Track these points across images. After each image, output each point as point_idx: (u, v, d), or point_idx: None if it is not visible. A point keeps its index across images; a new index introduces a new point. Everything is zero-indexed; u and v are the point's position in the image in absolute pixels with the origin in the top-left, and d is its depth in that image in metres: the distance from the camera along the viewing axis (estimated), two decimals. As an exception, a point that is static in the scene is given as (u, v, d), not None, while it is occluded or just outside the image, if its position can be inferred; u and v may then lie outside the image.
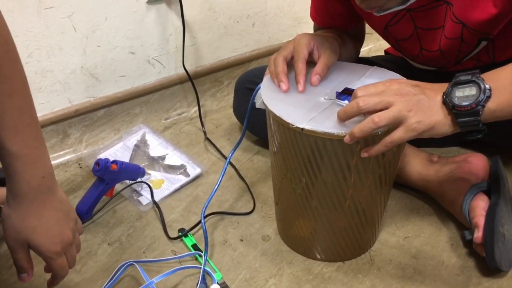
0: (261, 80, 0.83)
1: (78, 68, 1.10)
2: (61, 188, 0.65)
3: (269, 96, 0.78)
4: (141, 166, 1.02)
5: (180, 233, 0.91)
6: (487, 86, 0.63)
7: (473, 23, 0.79)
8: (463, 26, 0.80)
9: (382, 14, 0.75)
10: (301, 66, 0.77)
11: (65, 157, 1.13)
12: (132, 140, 1.14)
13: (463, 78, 0.65)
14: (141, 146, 1.12)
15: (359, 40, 1.06)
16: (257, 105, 0.82)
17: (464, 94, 0.64)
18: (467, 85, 0.64)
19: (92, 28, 1.07)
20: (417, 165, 0.95)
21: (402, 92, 0.65)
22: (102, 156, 1.10)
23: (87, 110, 1.14)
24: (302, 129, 0.69)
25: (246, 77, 1.11)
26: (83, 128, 1.15)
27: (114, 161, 0.95)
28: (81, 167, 1.11)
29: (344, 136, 0.67)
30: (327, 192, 0.78)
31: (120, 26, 1.11)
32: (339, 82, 0.81)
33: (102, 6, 1.07)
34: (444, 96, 0.65)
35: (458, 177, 0.89)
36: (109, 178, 0.95)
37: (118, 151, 1.12)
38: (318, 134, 0.69)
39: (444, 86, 0.66)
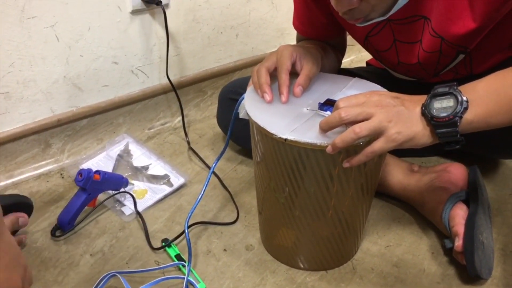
0: (244, 90, 0.83)
1: (61, 78, 1.09)
2: (8, 232, 0.61)
3: (252, 106, 0.78)
4: (124, 176, 1.02)
5: (163, 244, 0.91)
6: (464, 98, 0.65)
7: (452, 37, 0.81)
8: (441, 40, 0.82)
9: (365, 25, 0.77)
10: (284, 77, 0.78)
11: (47, 167, 1.12)
12: (115, 150, 1.14)
13: (441, 90, 0.67)
14: (124, 156, 1.12)
15: (341, 51, 1.07)
16: (241, 116, 0.82)
17: (442, 106, 0.66)
18: (445, 97, 0.66)
19: (75, 37, 1.07)
20: (398, 174, 0.97)
21: (382, 104, 0.67)
22: (84, 166, 1.09)
23: (69, 120, 1.13)
24: (285, 139, 0.70)
25: (230, 88, 1.12)
26: (66, 138, 1.15)
27: (97, 171, 0.95)
28: (63, 177, 1.10)
29: (327, 146, 0.68)
30: (310, 202, 0.78)
31: (104, 36, 1.11)
32: (321, 93, 0.82)
33: (85, 16, 1.07)
34: (423, 108, 0.67)
35: (437, 186, 0.91)
36: (92, 188, 0.94)
37: (101, 161, 1.11)
38: (301, 145, 0.70)
39: (423, 98, 0.68)
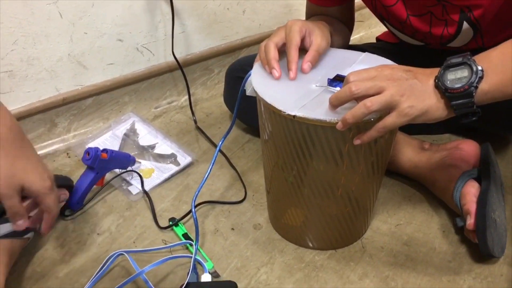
0: (251, 68, 0.81)
1: (65, 56, 1.07)
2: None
3: (260, 83, 0.76)
4: (131, 155, 1.01)
5: (170, 223, 0.90)
6: (479, 67, 0.63)
7: None
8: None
9: None
10: (293, 53, 0.76)
11: (53, 146, 1.12)
12: (121, 129, 1.13)
13: (454, 60, 0.64)
14: (130, 135, 1.11)
15: (349, 27, 1.05)
16: (248, 93, 0.81)
17: (456, 77, 0.64)
18: (458, 67, 0.64)
19: (79, 14, 1.05)
20: (409, 152, 0.95)
21: (394, 77, 0.65)
22: (91, 145, 1.08)
23: (75, 99, 1.12)
24: (294, 116, 0.69)
25: (237, 65, 1.09)
26: (71, 117, 1.14)
27: (104, 150, 0.94)
28: (69, 157, 1.09)
29: (337, 123, 0.66)
30: (319, 180, 0.77)
31: (108, 13, 1.09)
32: (330, 68, 0.80)
33: (89, -8, 1.04)
34: (436, 80, 0.65)
35: (449, 164, 0.89)
36: (100, 167, 0.93)
37: (107, 140, 1.10)
38: (310, 121, 0.68)
39: (436, 70, 0.65)
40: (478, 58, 0.64)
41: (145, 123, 1.15)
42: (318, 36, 0.80)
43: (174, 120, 1.23)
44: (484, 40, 0.88)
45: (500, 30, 0.87)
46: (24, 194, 0.67)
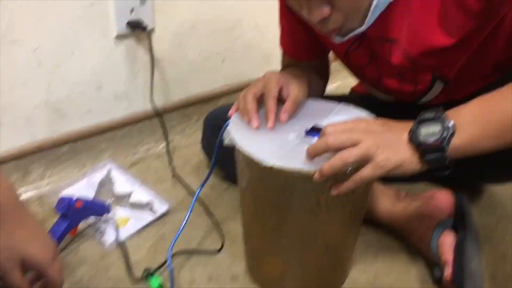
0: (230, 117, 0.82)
1: (42, 103, 1.07)
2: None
3: (238, 133, 0.77)
4: (106, 203, 0.99)
5: (145, 274, 0.88)
6: (451, 123, 0.64)
7: (420, 56, 0.82)
8: (412, 60, 0.83)
9: (343, 40, 0.77)
10: (271, 103, 0.78)
11: (26, 194, 1.09)
12: (97, 176, 1.11)
13: (427, 115, 0.66)
14: (106, 183, 1.09)
15: (325, 76, 1.07)
16: (226, 143, 0.81)
17: (429, 131, 0.65)
18: (431, 122, 0.66)
19: (57, 62, 1.06)
20: (385, 202, 0.96)
21: (369, 130, 0.66)
22: (65, 192, 1.06)
23: (50, 146, 1.11)
24: (272, 167, 0.69)
25: (215, 114, 1.10)
26: (46, 164, 1.12)
27: (79, 198, 0.92)
28: (42, 205, 1.07)
29: (314, 173, 0.67)
30: (297, 230, 0.76)
31: (87, 61, 1.10)
32: (307, 119, 0.82)
33: (68, 41, 1.05)
34: (410, 134, 0.66)
35: (425, 214, 0.90)
36: (73, 216, 0.91)
37: (82, 188, 1.08)
38: (288, 172, 0.69)
39: (410, 124, 0.67)
40: (450, 113, 0.66)
41: (121, 171, 1.14)
42: (295, 87, 0.82)
43: (151, 167, 1.22)
44: (453, 93, 0.91)
45: (467, 83, 0.90)
46: (25, 266, 0.64)
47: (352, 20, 0.73)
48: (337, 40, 0.78)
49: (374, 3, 0.71)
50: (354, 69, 0.97)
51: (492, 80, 0.90)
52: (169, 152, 1.23)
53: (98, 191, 1.07)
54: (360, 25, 0.74)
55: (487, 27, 0.79)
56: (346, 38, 0.76)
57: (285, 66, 1.06)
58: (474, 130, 0.64)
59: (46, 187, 1.12)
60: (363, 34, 0.86)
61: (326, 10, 0.70)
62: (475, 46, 0.82)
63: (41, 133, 1.09)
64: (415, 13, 0.78)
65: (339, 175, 0.68)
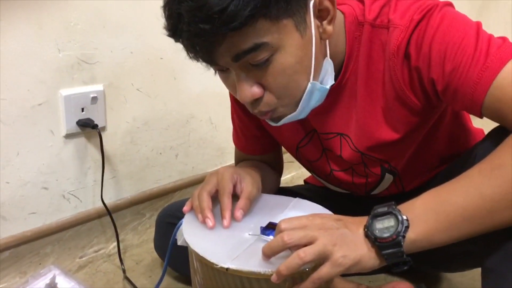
0: (183, 214, 0.80)
1: (-18, 207, 1.01)
2: None
3: (191, 233, 0.74)
4: (48, 316, 0.90)
5: None
6: (404, 217, 0.64)
7: (369, 150, 0.84)
8: (361, 154, 0.85)
9: (278, 124, 0.76)
10: (226, 201, 0.76)
11: (-42, 309, 0.99)
12: (40, 284, 1.02)
13: (380, 210, 0.66)
14: (50, 291, 1.01)
15: (279, 170, 1.08)
16: (179, 243, 0.77)
17: (384, 226, 0.65)
18: (385, 216, 0.65)
19: (2, 164, 1.01)
20: (347, 297, 0.93)
21: (325, 226, 0.65)
22: (2, 305, 0.97)
23: (-11, 253, 1.03)
24: (227, 269, 0.66)
25: (168, 211, 1.07)
26: (-17, 274, 1.03)
27: (16, 312, 0.84)
28: (-24, 320, 0.97)
29: (271, 274, 0.64)
30: (257, 336, 0.72)
31: (34, 161, 1.06)
32: (263, 215, 0.80)
33: (14, 141, 1.02)
34: (366, 229, 0.65)
35: (388, 308, 0.87)
36: (8, 333, 0.82)
37: (23, 298, 1.00)
38: (244, 274, 0.65)
39: (364, 219, 0.67)
40: (403, 207, 0.66)
41: (67, 276, 1.06)
42: (249, 183, 0.81)
43: (101, 270, 1.15)
44: (403, 184, 0.93)
45: (416, 175, 0.93)
46: None
47: (286, 105, 0.73)
48: (272, 124, 0.77)
49: (308, 87, 0.71)
50: (305, 163, 0.98)
51: (439, 170, 0.92)
52: (120, 252, 1.16)
53: (40, 301, 0.98)
54: (294, 111, 0.74)
55: (429, 121, 0.82)
56: (280, 123, 0.76)
57: (238, 160, 1.06)
58: (428, 223, 0.63)
59: (-19, 300, 1.02)
60: (312, 130, 0.88)
61: (257, 91, 0.70)
62: (420, 138, 0.85)
63: (-21, 239, 1.02)
64: (361, 108, 0.81)
65: (297, 275, 0.66)
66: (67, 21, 1.04)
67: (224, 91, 0.79)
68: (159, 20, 0.67)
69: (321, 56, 0.73)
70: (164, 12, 0.67)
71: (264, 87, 0.70)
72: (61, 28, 1.04)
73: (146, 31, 1.17)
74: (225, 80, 0.74)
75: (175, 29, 0.65)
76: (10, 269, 1.07)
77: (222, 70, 0.72)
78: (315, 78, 0.72)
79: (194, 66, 0.78)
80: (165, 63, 1.23)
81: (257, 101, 0.71)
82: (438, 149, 0.90)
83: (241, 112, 0.97)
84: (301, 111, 0.74)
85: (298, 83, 0.71)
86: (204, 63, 0.70)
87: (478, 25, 0.70)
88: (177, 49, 0.69)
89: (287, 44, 0.67)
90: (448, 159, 0.92)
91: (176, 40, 0.67)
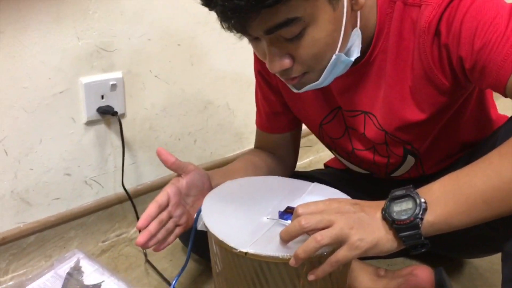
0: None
1: (8, 193, 1.04)
2: None
3: (210, 218, 0.75)
4: (73, 297, 0.93)
5: None
6: (422, 200, 0.64)
7: (394, 130, 0.84)
8: (385, 133, 0.85)
9: (301, 91, 0.77)
10: (150, 207, 0.80)
11: (-12, 291, 1.03)
12: (65, 267, 1.05)
13: (398, 193, 0.66)
14: (74, 274, 1.04)
15: (295, 151, 1.09)
16: (199, 227, 0.79)
17: (402, 208, 0.65)
18: (403, 199, 0.65)
19: (25, 151, 1.04)
20: (365, 280, 0.93)
21: (342, 210, 0.65)
22: (30, 287, 1.00)
23: (15, 237, 1.06)
24: (246, 253, 0.67)
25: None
26: (10, 257, 1.06)
27: (43, 294, 0.86)
28: (4, 302, 1.00)
29: (289, 258, 0.65)
30: (275, 317, 0.73)
31: (56, 148, 1.08)
32: (280, 199, 0.81)
33: (36, 129, 1.04)
34: (383, 212, 0.66)
35: (406, 291, 0.88)
36: (36, 314, 0.85)
37: (48, 281, 1.02)
38: (262, 258, 0.67)
39: (382, 203, 0.67)
40: (421, 190, 0.66)
41: (90, 260, 1.09)
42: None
43: (123, 253, 1.18)
44: (424, 168, 0.93)
45: (438, 158, 0.92)
46: None
47: (312, 73, 0.74)
48: (294, 90, 0.78)
49: (333, 59, 0.72)
50: (328, 141, 0.98)
51: (461, 156, 0.92)
52: (141, 237, 1.18)
53: (65, 284, 1.01)
54: (318, 80, 0.75)
55: (456, 102, 0.81)
56: (303, 90, 0.77)
57: (258, 143, 1.08)
58: (446, 206, 0.63)
59: (10, 283, 1.05)
60: (337, 107, 0.88)
61: (287, 62, 0.71)
62: (443, 121, 0.84)
63: (6, 224, 1.05)
64: (389, 87, 0.80)
65: (315, 259, 0.67)
66: (85, 10, 1.05)
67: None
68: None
69: (350, 26, 0.72)
70: None
71: (293, 58, 0.71)
72: (79, 16, 1.05)
73: (163, 18, 1.18)
74: (256, 48, 0.75)
75: (209, 1, 0.65)
76: (36, 253, 1.10)
77: (255, 39, 0.73)
78: (341, 49, 0.72)
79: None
80: (183, 49, 1.24)
81: (285, 70, 0.72)
82: (461, 135, 0.89)
83: (265, 86, 0.98)
84: (324, 80, 0.75)
85: (326, 54, 0.71)
86: (237, 34, 0.70)
87: None
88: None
89: (319, 18, 0.67)
90: (470, 145, 0.91)
91: (210, 9, 0.67)
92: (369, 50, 0.79)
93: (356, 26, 0.74)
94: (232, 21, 0.66)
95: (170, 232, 0.83)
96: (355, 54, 0.75)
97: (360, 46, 0.75)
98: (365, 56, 0.79)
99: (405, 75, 0.78)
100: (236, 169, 0.97)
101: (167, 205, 0.82)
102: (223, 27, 0.69)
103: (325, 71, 0.73)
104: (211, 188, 0.86)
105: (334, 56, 0.71)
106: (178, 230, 0.84)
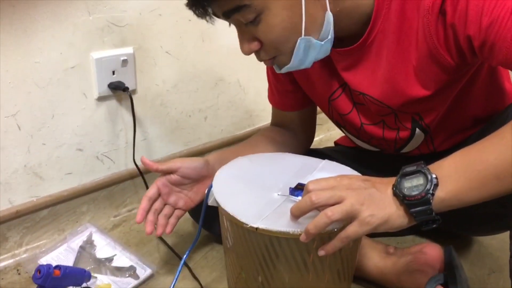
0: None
1: (21, 167, 1.05)
2: None
3: (221, 193, 0.76)
4: (86, 270, 0.95)
5: None
6: (433, 175, 0.64)
7: (400, 106, 0.84)
8: (391, 110, 0.86)
9: (281, 71, 0.80)
10: (143, 201, 0.88)
11: (2, 263, 1.04)
12: (77, 241, 1.07)
13: (409, 169, 0.66)
14: (87, 248, 1.05)
15: (311, 128, 1.10)
16: (210, 203, 0.80)
17: (413, 184, 0.65)
18: (414, 175, 0.65)
19: (38, 126, 1.05)
20: (374, 257, 0.94)
21: (353, 187, 0.65)
22: (43, 260, 1.02)
23: (29, 211, 1.07)
24: (257, 228, 0.67)
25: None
26: (24, 230, 1.08)
27: (57, 266, 0.88)
28: (19, 274, 1.02)
29: (300, 234, 0.65)
30: (285, 292, 0.74)
31: (68, 123, 1.09)
32: (291, 176, 0.81)
33: (49, 104, 1.05)
34: (394, 188, 0.66)
35: (415, 269, 0.88)
36: (51, 286, 0.87)
37: (61, 254, 1.04)
38: (273, 233, 0.67)
39: (392, 179, 0.67)
40: (432, 166, 0.65)
41: (103, 234, 1.11)
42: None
43: (134, 229, 1.19)
44: (435, 144, 0.92)
45: (448, 135, 0.91)
46: None
47: (282, 56, 0.77)
48: (277, 70, 0.82)
49: (298, 42, 0.74)
50: (337, 118, 0.98)
51: (473, 132, 0.91)
52: (152, 212, 1.20)
53: (78, 257, 1.03)
54: (288, 63, 0.78)
55: (462, 78, 0.80)
56: (282, 71, 0.80)
57: (275, 119, 1.10)
58: (457, 182, 0.63)
59: (23, 255, 1.07)
60: (344, 83, 0.88)
61: (254, 44, 0.76)
62: (452, 96, 0.83)
63: (19, 198, 1.06)
64: (390, 67, 0.80)
65: (325, 234, 0.67)
66: (96, -16, 1.05)
67: (252, 55, 0.80)
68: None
69: (319, 11, 0.74)
70: None
71: (260, 41, 0.75)
72: (90, -10, 1.04)
73: (174, -7, 1.16)
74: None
75: None
76: (49, 227, 1.12)
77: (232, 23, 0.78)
78: (310, 32, 0.74)
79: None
80: (193, 25, 1.23)
81: (257, 52, 0.78)
82: (472, 109, 0.88)
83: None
84: (297, 63, 0.78)
85: (288, 38, 0.74)
86: (212, 19, 0.76)
87: None
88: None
89: (271, 5, 0.71)
90: (482, 120, 0.90)
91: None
92: (367, 31, 0.79)
93: (326, 9, 0.75)
94: (198, 7, 0.73)
95: (169, 216, 0.91)
96: (327, 36, 0.77)
97: (331, 29, 0.76)
98: (362, 36, 0.79)
99: (409, 54, 0.77)
100: (255, 143, 1.02)
101: (158, 196, 0.91)
102: (196, 14, 0.75)
103: (294, 54, 0.76)
104: (210, 172, 0.90)
105: (300, 40, 0.74)
106: (178, 212, 0.92)
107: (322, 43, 0.76)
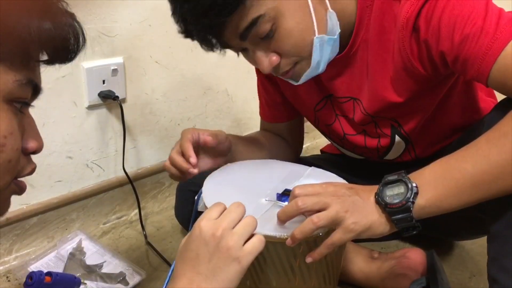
0: (202, 181, 0.83)
1: (12, 175, 1.06)
2: None
3: (211, 199, 0.78)
4: (76, 276, 0.96)
5: None
6: (414, 184, 0.67)
7: (377, 112, 0.87)
8: (369, 115, 0.89)
9: (299, 82, 0.81)
10: (186, 144, 0.82)
11: (-8, 270, 1.05)
12: (67, 248, 1.08)
13: (390, 178, 0.69)
14: (76, 254, 1.06)
15: (298, 142, 1.13)
16: (199, 208, 0.81)
17: (394, 193, 0.68)
18: (395, 184, 0.68)
19: (28, 134, 1.06)
20: (359, 262, 0.96)
21: (338, 194, 0.68)
22: (33, 267, 1.03)
23: (19, 218, 1.08)
24: (244, 233, 0.69)
25: (190, 179, 1.11)
26: (14, 238, 1.09)
27: (48, 273, 0.89)
28: (9, 281, 1.03)
29: (286, 238, 0.67)
30: (272, 296, 0.76)
31: (58, 132, 1.10)
32: (279, 182, 0.83)
33: (39, 112, 1.06)
34: (377, 196, 0.68)
35: (398, 273, 0.91)
36: (42, 292, 0.88)
37: (51, 261, 1.05)
38: (260, 238, 0.69)
39: (375, 188, 0.69)
40: (413, 175, 0.68)
41: (92, 241, 1.12)
42: (210, 131, 0.87)
43: (123, 235, 1.20)
44: (416, 152, 0.95)
45: (429, 144, 0.95)
46: None
47: (302, 62, 0.78)
48: (293, 83, 0.83)
49: (315, 41, 0.75)
50: (323, 128, 1.01)
51: (452, 140, 0.94)
52: (141, 219, 1.21)
53: (68, 264, 1.04)
54: (309, 66, 0.78)
55: (438, 90, 0.84)
56: (301, 81, 0.81)
57: (262, 128, 1.12)
58: (436, 190, 0.66)
59: (13, 262, 1.08)
60: (329, 95, 0.91)
61: (274, 59, 0.76)
62: (430, 105, 0.87)
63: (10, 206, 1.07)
64: (372, 76, 0.84)
65: (311, 240, 0.69)
66: (87, -5, 1.07)
67: (240, 64, 0.82)
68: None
69: (322, 9, 0.76)
70: (174, 19, 0.74)
71: (279, 53, 0.76)
72: (81, 1, 1.06)
73: (163, 4, 1.18)
74: (247, 58, 0.80)
75: (186, 31, 0.74)
76: (39, 234, 1.13)
77: (242, 51, 0.78)
78: (321, 31, 0.76)
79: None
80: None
81: (277, 67, 0.77)
82: (451, 119, 0.92)
83: (264, 79, 1.02)
84: (317, 65, 0.78)
85: (306, 40, 0.75)
86: (222, 50, 0.77)
87: (488, 0, 0.70)
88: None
89: (284, 9, 0.72)
90: (461, 129, 0.94)
91: (192, 39, 0.75)
92: (351, 40, 0.82)
93: (327, 8, 0.77)
94: (209, 38, 0.73)
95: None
96: (337, 30, 0.78)
97: (339, 24, 0.78)
98: (346, 46, 0.83)
99: (387, 65, 0.81)
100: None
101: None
102: (205, 49, 0.76)
103: (313, 55, 0.77)
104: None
105: (315, 39, 0.75)
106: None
107: (335, 37, 0.78)
